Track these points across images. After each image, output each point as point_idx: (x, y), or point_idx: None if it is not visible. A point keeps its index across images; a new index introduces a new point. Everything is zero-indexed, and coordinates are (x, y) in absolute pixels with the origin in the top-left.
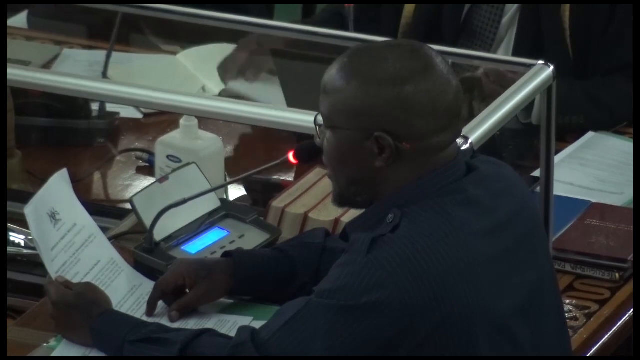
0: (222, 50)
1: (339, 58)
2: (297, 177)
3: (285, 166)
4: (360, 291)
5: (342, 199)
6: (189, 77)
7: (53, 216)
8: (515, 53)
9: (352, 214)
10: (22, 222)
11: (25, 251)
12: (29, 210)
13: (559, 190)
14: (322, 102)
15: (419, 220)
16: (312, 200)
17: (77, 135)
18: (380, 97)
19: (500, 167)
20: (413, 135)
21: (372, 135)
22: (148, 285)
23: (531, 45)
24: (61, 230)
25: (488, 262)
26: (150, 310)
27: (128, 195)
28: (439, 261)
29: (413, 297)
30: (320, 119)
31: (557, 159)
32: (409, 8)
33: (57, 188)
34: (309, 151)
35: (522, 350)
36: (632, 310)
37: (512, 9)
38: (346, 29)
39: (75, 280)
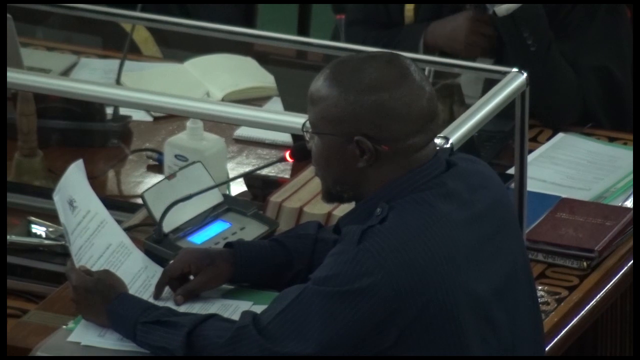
0: (225, 59)
1: (323, 70)
2: (293, 174)
3: (283, 164)
4: (352, 277)
5: (330, 196)
6: (194, 84)
7: (71, 203)
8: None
9: (343, 207)
10: (43, 216)
11: (46, 242)
12: (57, 198)
13: (531, 186)
14: (309, 110)
15: (405, 212)
16: (306, 195)
17: (93, 137)
18: (359, 104)
19: (477, 163)
20: (390, 138)
21: (353, 140)
22: (153, 267)
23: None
24: (77, 217)
25: (468, 249)
26: (158, 293)
27: (139, 191)
28: (424, 249)
29: (401, 282)
30: (308, 125)
31: (530, 157)
32: (408, 7)
33: (74, 177)
34: (303, 151)
35: (499, 329)
36: (599, 295)
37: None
38: (338, 39)
39: (89, 263)
